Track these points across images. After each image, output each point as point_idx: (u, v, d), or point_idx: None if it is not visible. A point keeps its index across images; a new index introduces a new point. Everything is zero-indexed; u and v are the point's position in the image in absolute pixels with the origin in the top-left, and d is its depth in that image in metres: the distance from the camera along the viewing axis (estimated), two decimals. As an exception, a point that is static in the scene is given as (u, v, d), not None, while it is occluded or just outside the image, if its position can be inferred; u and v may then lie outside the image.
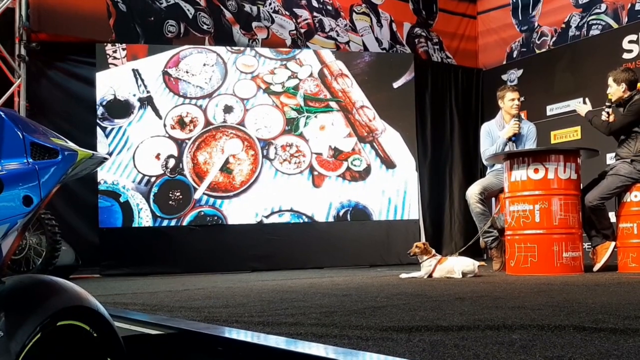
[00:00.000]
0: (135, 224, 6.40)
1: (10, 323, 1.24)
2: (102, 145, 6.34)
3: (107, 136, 6.40)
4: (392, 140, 7.18)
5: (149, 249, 6.50)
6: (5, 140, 1.39)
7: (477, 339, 1.73)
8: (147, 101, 6.54)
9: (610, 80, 5.00)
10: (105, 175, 6.34)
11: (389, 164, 7.14)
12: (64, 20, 6.47)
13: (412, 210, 7.25)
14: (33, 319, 1.28)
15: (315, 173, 6.91)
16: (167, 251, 6.58)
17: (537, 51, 8.23)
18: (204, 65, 6.77)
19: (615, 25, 7.37)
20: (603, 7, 7.50)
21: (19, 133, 1.41)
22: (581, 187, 4.93)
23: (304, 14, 7.82)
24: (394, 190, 7.13)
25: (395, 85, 7.35)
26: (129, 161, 6.42)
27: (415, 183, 7.33)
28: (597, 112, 5.14)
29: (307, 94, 6.99)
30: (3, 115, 1.41)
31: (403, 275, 4.72)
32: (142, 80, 6.51)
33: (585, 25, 7.67)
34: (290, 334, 1.90)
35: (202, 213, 6.59)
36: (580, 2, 7.74)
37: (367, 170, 7.07)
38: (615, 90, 4.97)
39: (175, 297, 3.50)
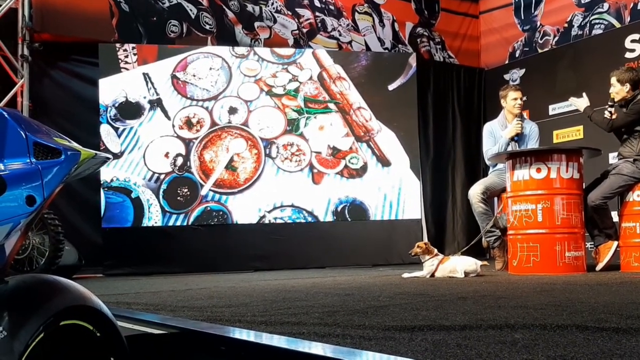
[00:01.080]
0: (145, 219, 6.59)
1: (13, 323, 1.25)
2: (115, 144, 6.56)
3: (119, 136, 6.61)
4: (388, 140, 7.42)
5: (151, 249, 6.59)
6: (8, 140, 1.39)
7: (480, 338, 1.73)
8: (156, 103, 6.77)
9: (613, 80, 4.97)
10: (118, 173, 6.55)
11: (384, 162, 7.38)
12: (66, 21, 6.49)
13: (408, 207, 7.40)
14: (36, 318, 1.28)
15: (315, 170, 7.14)
16: (170, 251, 6.67)
17: (540, 50, 8.22)
18: (210, 69, 7.00)
19: (617, 25, 7.35)
20: (605, 6, 7.48)
21: (22, 133, 1.41)
22: (584, 187, 4.92)
23: (306, 13, 7.83)
24: (389, 186, 7.37)
25: (391, 87, 7.57)
26: (139, 159, 6.64)
27: (409, 180, 7.45)
28: (598, 109, 5.12)
29: (307, 96, 7.23)
30: (6, 115, 1.41)
31: (405, 275, 4.72)
32: (152, 83, 6.76)
33: (588, 24, 7.66)
34: (292, 334, 1.90)
35: (209, 208, 6.79)
36: (582, 2, 7.73)
37: (363, 168, 7.29)
38: (619, 90, 4.94)
39: (178, 296, 3.50)
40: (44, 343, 1.30)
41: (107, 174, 6.47)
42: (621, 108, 4.99)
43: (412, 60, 7.76)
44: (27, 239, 4.86)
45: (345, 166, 7.22)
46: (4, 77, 6.22)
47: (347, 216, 7.18)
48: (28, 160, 1.39)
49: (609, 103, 5.01)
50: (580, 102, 5.19)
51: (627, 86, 4.90)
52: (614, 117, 4.99)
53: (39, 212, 1.40)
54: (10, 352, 1.21)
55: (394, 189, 7.36)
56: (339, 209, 7.16)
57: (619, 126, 4.93)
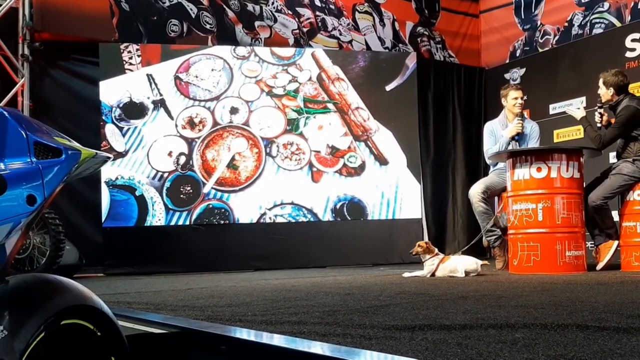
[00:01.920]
0: (149, 216, 6.68)
1: (14, 322, 1.25)
2: (119, 143, 6.66)
3: (123, 135, 6.71)
4: (385, 139, 7.52)
5: (152, 249, 6.63)
6: (8, 139, 1.39)
7: (480, 337, 1.73)
8: (160, 103, 6.88)
9: (600, 82, 5.01)
10: (122, 171, 6.65)
11: (382, 160, 7.47)
12: (67, 20, 6.49)
13: (405, 205, 7.46)
14: (37, 318, 1.29)
15: (314, 169, 7.23)
16: (171, 250, 6.70)
17: (540, 50, 8.22)
18: (212, 70, 7.10)
19: (618, 24, 7.35)
20: (606, 5, 7.48)
21: (22, 132, 1.41)
22: (584, 186, 4.91)
23: (306, 13, 7.83)
24: (386, 185, 7.48)
25: (388, 88, 7.66)
26: (143, 158, 6.74)
27: (407, 178, 7.50)
28: (592, 119, 5.11)
29: (307, 96, 7.33)
30: (7, 115, 1.41)
31: (406, 274, 4.72)
32: (156, 84, 6.87)
33: (588, 23, 7.66)
34: (293, 333, 1.90)
35: (211, 206, 6.89)
36: (583, 1, 7.73)
37: (361, 167, 7.40)
38: (605, 93, 4.99)
39: (179, 296, 3.50)
40: (45, 342, 1.30)
41: (111, 172, 6.54)
42: (610, 110, 5.01)
43: (409, 61, 7.79)
44: (27, 238, 4.85)
45: (344, 165, 7.31)
46: (5, 76, 6.22)
47: (346, 213, 7.25)
48: (28, 160, 1.39)
49: (598, 104, 5.04)
50: (577, 112, 5.22)
51: (612, 90, 4.93)
52: (604, 118, 5.01)
53: (40, 211, 1.40)
54: (11, 351, 1.21)
55: (391, 187, 7.46)
56: (337, 206, 7.25)
57: (608, 142, 4.95)
